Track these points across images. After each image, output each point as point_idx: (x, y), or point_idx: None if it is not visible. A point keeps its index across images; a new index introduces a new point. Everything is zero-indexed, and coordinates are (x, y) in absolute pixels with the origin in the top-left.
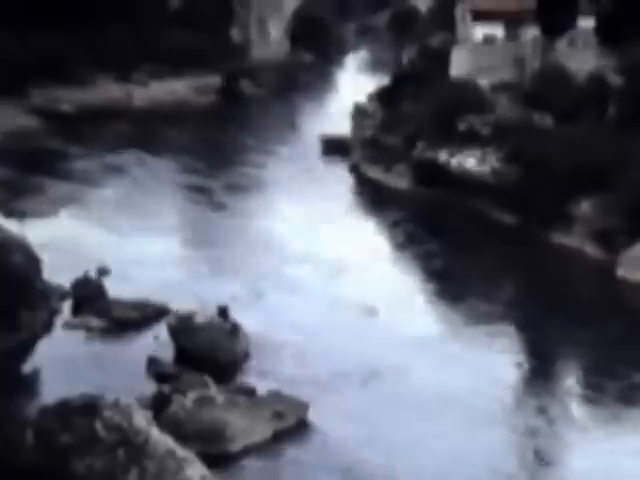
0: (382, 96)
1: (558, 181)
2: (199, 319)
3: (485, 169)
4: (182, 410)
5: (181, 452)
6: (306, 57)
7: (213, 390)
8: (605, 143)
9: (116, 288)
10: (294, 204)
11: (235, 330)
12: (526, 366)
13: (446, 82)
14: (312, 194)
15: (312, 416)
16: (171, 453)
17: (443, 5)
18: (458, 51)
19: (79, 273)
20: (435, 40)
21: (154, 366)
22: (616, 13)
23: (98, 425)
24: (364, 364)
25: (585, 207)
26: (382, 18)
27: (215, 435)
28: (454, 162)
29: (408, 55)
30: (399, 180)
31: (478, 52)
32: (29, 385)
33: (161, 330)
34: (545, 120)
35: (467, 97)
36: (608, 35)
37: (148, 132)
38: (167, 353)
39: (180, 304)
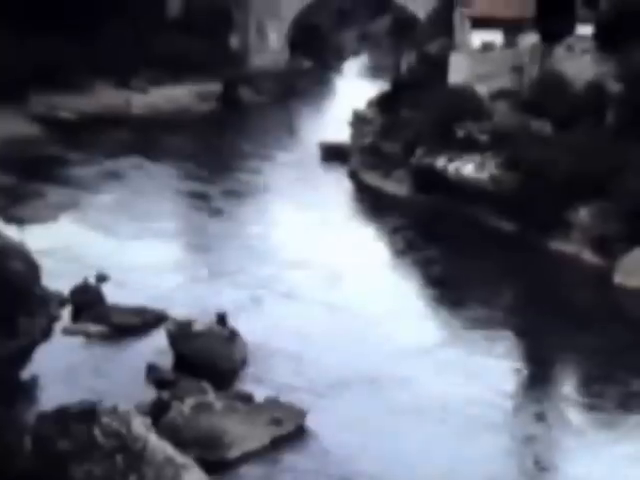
0: (381, 102)
1: (556, 188)
2: (198, 326)
3: (483, 176)
4: (180, 416)
5: (179, 458)
6: (305, 64)
7: (211, 396)
8: (604, 150)
9: (115, 294)
10: (293, 210)
11: (233, 337)
12: (525, 372)
13: (444, 89)
14: (311, 200)
15: (310, 423)
16: (169, 459)
17: (441, 11)
18: (456, 58)
19: (78, 279)
20: (434, 47)
21: (153, 372)
22: (615, 20)
23: (96, 431)
24: (363, 371)
25: (583, 214)
26: (382, 24)
27: (213, 441)
28: (452, 169)
29: (407, 61)
30: (398, 186)
31: (476, 59)
32: (27, 391)
33: (160, 336)
34: (543, 127)
35: (465, 104)
36: (607, 42)
37: (148, 138)
38: (166, 359)
39: (179, 310)
